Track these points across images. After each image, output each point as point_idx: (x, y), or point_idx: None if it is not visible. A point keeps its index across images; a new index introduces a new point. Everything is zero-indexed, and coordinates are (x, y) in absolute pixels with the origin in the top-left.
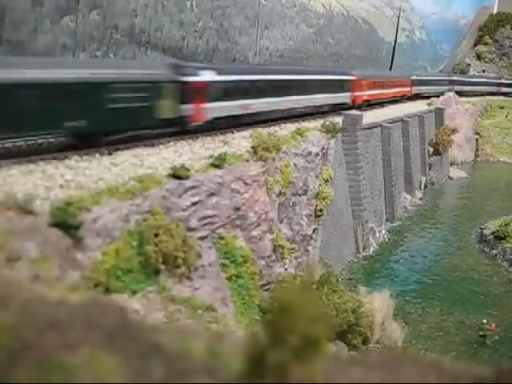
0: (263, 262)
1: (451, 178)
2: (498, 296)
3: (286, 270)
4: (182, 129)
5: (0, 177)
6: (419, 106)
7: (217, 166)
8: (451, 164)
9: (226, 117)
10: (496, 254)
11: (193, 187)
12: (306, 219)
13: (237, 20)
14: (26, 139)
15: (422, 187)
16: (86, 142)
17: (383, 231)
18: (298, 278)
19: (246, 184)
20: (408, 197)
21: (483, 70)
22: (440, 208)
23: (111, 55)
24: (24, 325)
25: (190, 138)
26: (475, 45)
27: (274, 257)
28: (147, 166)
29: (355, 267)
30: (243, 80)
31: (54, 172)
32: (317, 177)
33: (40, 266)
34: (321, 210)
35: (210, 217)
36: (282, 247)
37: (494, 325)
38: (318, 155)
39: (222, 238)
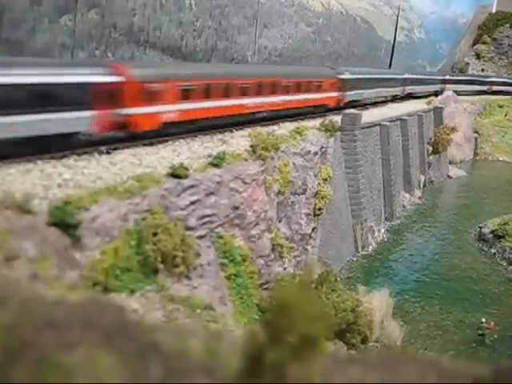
0: (262, 261)
1: (450, 177)
2: (496, 295)
3: (284, 269)
4: None
5: None
6: (418, 105)
7: (215, 165)
8: (450, 163)
9: None
10: (495, 253)
11: (191, 186)
12: (304, 218)
13: (235, 19)
14: None
15: (421, 186)
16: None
17: (382, 230)
18: (297, 277)
19: (245, 183)
20: (407, 196)
21: (482, 69)
22: (439, 207)
23: (109, 54)
24: (22, 324)
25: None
26: (474, 44)
27: (272, 256)
28: (146, 165)
29: (354, 266)
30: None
31: (52, 171)
32: (316, 176)
33: (38, 266)
34: (320, 209)
35: (208, 216)
36: (281, 246)
37: (492, 323)
38: (317, 154)
39: (220, 237)
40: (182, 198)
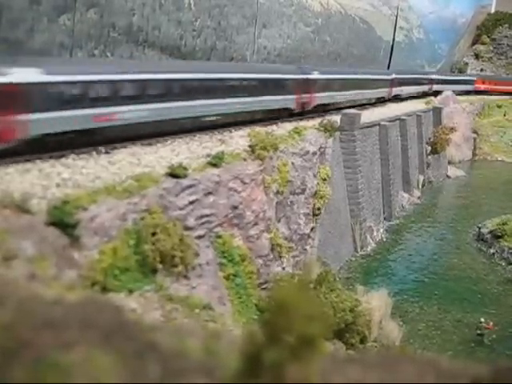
0: (261, 261)
1: (449, 177)
2: (495, 295)
3: (283, 268)
4: None
5: None
6: (417, 105)
7: (214, 165)
8: (449, 163)
9: None
10: (493, 253)
11: (190, 186)
12: (303, 218)
13: (235, 19)
14: None
15: (420, 186)
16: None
17: (381, 230)
18: (296, 276)
19: (244, 183)
20: (406, 195)
21: (481, 69)
22: (438, 207)
23: (108, 54)
24: (20, 323)
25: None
26: (473, 44)
27: (271, 256)
28: (144, 164)
29: (353, 266)
30: None
31: (50, 171)
32: (314, 176)
33: (37, 265)
34: (318, 209)
35: (207, 216)
36: (280, 246)
37: (491, 323)
38: (316, 154)
39: (219, 236)
40: (181, 198)
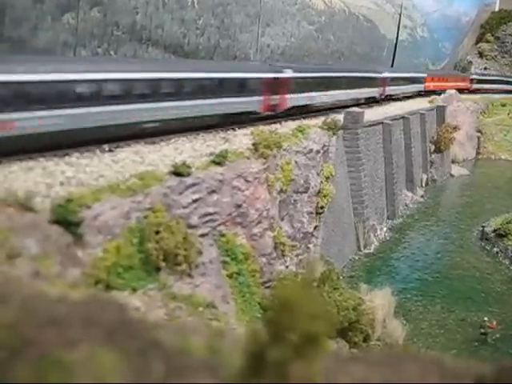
0: (264, 260)
1: (452, 176)
2: (499, 294)
3: (286, 267)
4: None
5: (0, 173)
6: (421, 103)
7: (218, 164)
8: (452, 162)
9: None
10: (497, 252)
11: (194, 184)
12: (307, 217)
13: (238, 17)
14: None
15: (424, 185)
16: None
17: (384, 229)
18: (299, 275)
19: (247, 181)
20: (409, 194)
21: (485, 68)
22: (441, 205)
23: (112, 52)
24: (24, 322)
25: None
26: (477, 42)
27: (274, 254)
28: (148, 163)
29: (356, 265)
30: None
31: (54, 169)
32: (318, 174)
33: (40, 263)
34: (322, 208)
35: (210, 214)
36: (283, 244)
37: (495, 322)
38: (319, 153)
39: (222, 235)
40: (185, 196)
